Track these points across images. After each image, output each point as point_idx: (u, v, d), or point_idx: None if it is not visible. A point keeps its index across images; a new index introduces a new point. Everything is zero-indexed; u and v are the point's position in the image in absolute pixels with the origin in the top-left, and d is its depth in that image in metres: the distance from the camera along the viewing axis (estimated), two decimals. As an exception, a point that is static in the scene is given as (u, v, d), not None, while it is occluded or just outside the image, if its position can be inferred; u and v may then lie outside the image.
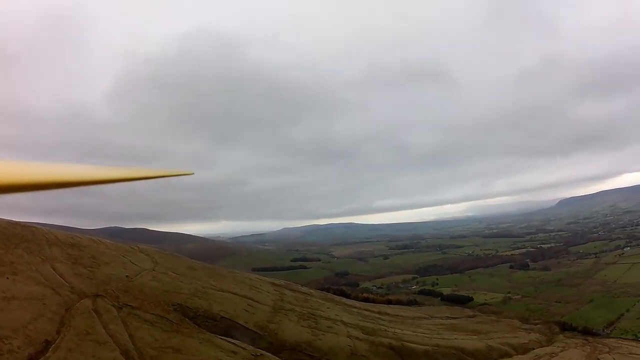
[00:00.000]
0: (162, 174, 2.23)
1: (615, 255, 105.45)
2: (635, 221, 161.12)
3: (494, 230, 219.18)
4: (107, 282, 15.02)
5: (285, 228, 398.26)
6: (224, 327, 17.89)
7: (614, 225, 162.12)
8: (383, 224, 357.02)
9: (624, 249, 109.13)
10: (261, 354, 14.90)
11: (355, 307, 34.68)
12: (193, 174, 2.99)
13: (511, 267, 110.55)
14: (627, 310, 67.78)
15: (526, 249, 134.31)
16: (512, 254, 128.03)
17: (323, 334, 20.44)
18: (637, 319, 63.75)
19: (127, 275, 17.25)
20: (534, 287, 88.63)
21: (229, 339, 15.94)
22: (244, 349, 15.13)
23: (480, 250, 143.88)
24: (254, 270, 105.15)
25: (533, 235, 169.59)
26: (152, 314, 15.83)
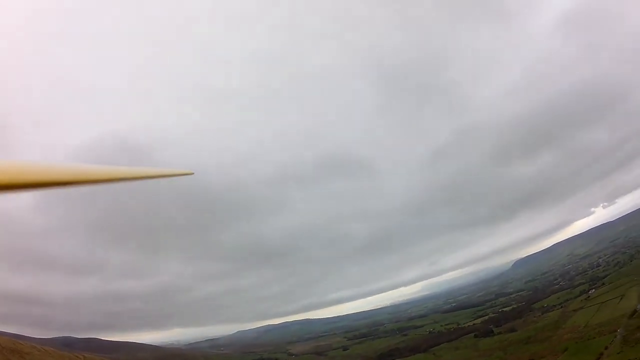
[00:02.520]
0: (161, 174, 2.24)
1: (582, 300, 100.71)
2: (595, 263, 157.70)
3: (453, 304, 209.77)
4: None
5: (239, 331, 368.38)
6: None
7: (574, 273, 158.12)
8: (339, 316, 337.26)
9: (589, 292, 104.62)
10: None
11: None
12: (193, 174, 2.99)
13: (475, 336, 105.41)
14: (606, 348, 63.39)
15: (488, 316, 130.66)
16: (474, 324, 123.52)
17: None
18: (618, 353, 60.19)
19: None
20: (502, 350, 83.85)
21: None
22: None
23: (441, 325, 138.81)
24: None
25: (493, 301, 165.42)
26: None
